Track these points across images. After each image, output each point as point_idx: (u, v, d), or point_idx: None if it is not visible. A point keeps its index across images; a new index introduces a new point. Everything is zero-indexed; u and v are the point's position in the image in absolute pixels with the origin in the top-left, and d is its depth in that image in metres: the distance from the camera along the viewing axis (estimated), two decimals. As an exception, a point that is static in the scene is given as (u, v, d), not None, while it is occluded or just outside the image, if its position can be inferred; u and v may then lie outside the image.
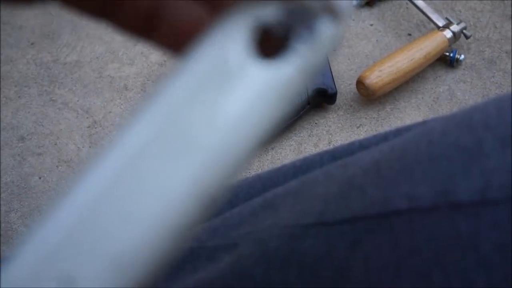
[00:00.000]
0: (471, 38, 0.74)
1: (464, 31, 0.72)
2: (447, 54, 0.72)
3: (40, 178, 0.65)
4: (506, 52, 0.74)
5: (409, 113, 0.69)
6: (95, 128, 0.69)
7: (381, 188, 0.25)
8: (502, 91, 0.71)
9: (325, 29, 0.16)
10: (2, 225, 0.61)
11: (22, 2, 0.17)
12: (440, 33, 0.70)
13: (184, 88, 0.15)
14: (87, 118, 0.70)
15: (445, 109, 0.69)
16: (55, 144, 0.67)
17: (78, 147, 0.67)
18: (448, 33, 0.70)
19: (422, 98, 0.71)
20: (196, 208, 0.14)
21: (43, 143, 0.68)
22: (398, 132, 0.32)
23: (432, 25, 0.74)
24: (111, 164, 0.14)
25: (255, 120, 0.15)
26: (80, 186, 0.14)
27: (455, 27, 0.71)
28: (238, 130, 0.15)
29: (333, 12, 0.15)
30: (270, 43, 0.16)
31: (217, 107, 0.14)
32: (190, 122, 0.14)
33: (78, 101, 0.71)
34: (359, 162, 0.28)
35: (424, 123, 0.31)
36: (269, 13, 0.15)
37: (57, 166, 0.66)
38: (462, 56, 0.72)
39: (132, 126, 0.14)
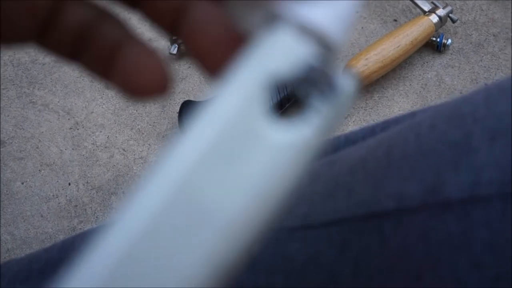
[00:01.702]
0: (458, 21, 0.73)
1: (450, 15, 0.71)
2: (434, 39, 0.71)
3: (22, 183, 0.63)
4: (494, 35, 0.73)
5: (397, 101, 0.68)
6: (78, 129, 0.67)
7: (368, 187, 0.24)
8: (490, 75, 0.70)
9: (346, 85, 0.14)
10: (-15, 233, 0.59)
11: (16, 41, 0.17)
12: (426, 18, 0.69)
13: (198, 151, 0.14)
14: (68, 119, 0.68)
15: (433, 95, 0.68)
16: (37, 148, 0.66)
17: (60, 150, 0.66)
18: (434, 18, 0.69)
19: (410, 85, 0.69)
20: (213, 279, 0.13)
21: (24, 147, 0.66)
22: (386, 124, 0.31)
23: (418, 10, 0.73)
24: (123, 236, 0.13)
25: (273, 186, 0.14)
26: (92, 262, 0.13)
27: (441, 11, 0.70)
28: (256, 198, 0.14)
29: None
30: (288, 102, 0.15)
31: (234, 173, 0.13)
32: (204, 190, 0.13)
33: (58, 102, 0.69)
34: (346, 159, 0.27)
35: (412, 115, 0.30)
36: (287, 69, 0.14)
37: (39, 170, 0.64)
38: (449, 41, 0.71)
39: (142, 195, 0.13)
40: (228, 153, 0.13)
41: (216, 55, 0.16)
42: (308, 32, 0.14)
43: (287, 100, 0.63)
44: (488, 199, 0.20)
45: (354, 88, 0.15)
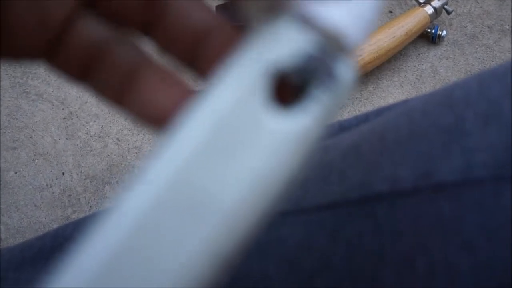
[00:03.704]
0: (453, 13, 0.73)
1: (445, 6, 0.71)
2: (429, 30, 0.71)
3: (16, 173, 0.63)
4: (488, 27, 0.73)
5: (392, 92, 0.68)
6: (72, 119, 0.67)
7: (361, 171, 0.24)
8: (485, 67, 0.70)
9: (345, 74, 0.14)
10: (-21, 223, 0.59)
11: (9, 58, 0.16)
12: (421, 9, 0.69)
13: (196, 140, 0.13)
14: (62, 109, 0.67)
15: (428, 86, 0.68)
16: (31, 137, 0.65)
17: (54, 140, 0.65)
18: (429, 9, 0.69)
19: (405, 76, 0.69)
20: (211, 269, 0.13)
21: (17, 137, 0.65)
22: (379, 112, 0.31)
23: (413, 1, 0.72)
24: (120, 226, 0.13)
25: (272, 175, 0.14)
26: (91, 248, 0.13)
27: (436, 3, 0.70)
28: (256, 186, 0.13)
29: (350, 53, 0.14)
30: (287, 90, 0.14)
31: (233, 162, 0.13)
32: (203, 179, 0.13)
33: (52, 92, 0.69)
34: (339, 145, 0.27)
35: (405, 102, 0.30)
36: (287, 58, 0.14)
37: (33, 159, 0.64)
38: (444, 32, 0.71)
39: (139, 185, 0.13)
40: (227, 142, 0.13)
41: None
42: (309, 22, 0.14)
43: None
44: (481, 182, 0.20)
45: (353, 77, 0.15)
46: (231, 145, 0.13)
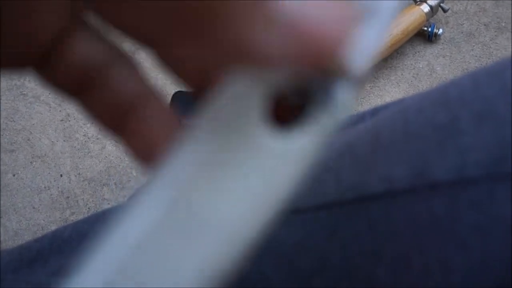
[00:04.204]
0: (449, 11, 0.73)
1: (441, 4, 0.71)
2: (425, 28, 0.71)
3: (14, 175, 0.63)
4: (485, 25, 0.73)
5: (389, 90, 0.68)
6: (69, 121, 0.67)
7: (356, 171, 0.24)
8: (481, 64, 0.70)
9: (343, 93, 0.14)
10: (-23, 225, 0.59)
11: (14, 67, 0.15)
12: (417, 7, 0.69)
13: (193, 162, 0.13)
14: (60, 111, 0.67)
15: (425, 85, 0.69)
16: (28, 140, 0.65)
17: (52, 142, 0.65)
18: (425, 7, 0.69)
19: (402, 74, 0.70)
20: (213, 284, 0.13)
21: (15, 139, 0.65)
22: (375, 111, 0.31)
23: (410, 0, 0.73)
24: (119, 246, 0.13)
25: (269, 194, 0.14)
26: (88, 271, 0.13)
27: (432, 1, 0.70)
28: (254, 204, 0.14)
29: (350, 75, 0.14)
30: (284, 111, 0.14)
31: (231, 181, 0.13)
32: (202, 198, 0.13)
33: (50, 93, 0.69)
34: (335, 145, 0.27)
35: (401, 101, 0.30)
36: (285, 79, 0.14)
37: (31, 162, 0.64)
38: (441, 30, 0.71)
39: (140, 205, 0.13)
40: (225, 162, 0.13)
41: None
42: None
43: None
44: (476, 180, 0.20)
45: (352, 97, 0.15)
46: (229, 164, 0.13)
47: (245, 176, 0.13)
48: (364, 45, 0.14)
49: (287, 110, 0.14)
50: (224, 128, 0.14)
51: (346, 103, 0.14)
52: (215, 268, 0.13)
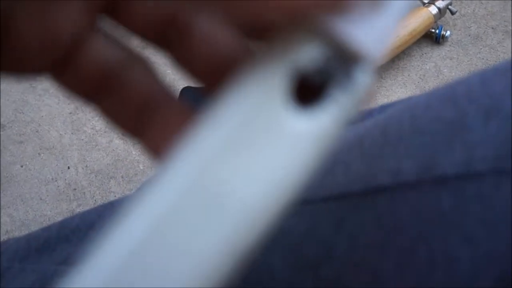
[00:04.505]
0: (457, 13, 0.73)
1: (449, 6, 0.71)
2: (433, 30, 0.71)
3: (22, 166, 0.63)
4: (492, 28, 0.74)
5: (396, 91, 0.69)
6: (77, 114, 0.67)
7: (364, 163, 0.24)
8: (488, 67, 0.70)
9: (363, 76, 0.15)
10: (-15, 215, 0.60)
11: (11, 73, 0.15)
12: (425, 9, 0.69)
13: (216, 140, 0.14)
14: (68, 104, 0.68)
15: (431, 86, 0.69)
16: (37, 132, 0.66)
17: (60, 134, 0.66)
18: (433, 9, 0.70)
19: (409, 75, 0.70)
20: (229, 267, 0.13)
21: (24, 131, 0.66)
22: (383, 108, 0.32)
23: (418, 1, 0.73)
24: (140, 223, 0.13)
25: (290, 174, 0.14)
26: (109, 246, 0.13)
27: (440, 3, 0.70)
28: (273, 186, 0.14)
29: (369, 58, 0.14)
30: (307, 90, 0.15)
31: (254, 160, 0.14)
32: (225, 176, 0.13)
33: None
34: (344, 138, 0.28)
35: (409, 98, 0.30)
36: (307, 59, 0.14)
37: (39, 153, 0.64)
38: (448, 32, 0.71)
39: (161, 183, 0.13)
40: (247, 141, 0.14)
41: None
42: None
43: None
44: (482, 174, 0.20)
45: (370, 80, 0.15)
46: (252, 144, 0.14)
47: (267, 156, 0.14)
48: (380, 32, 0.14)
49: (309, 90, 0.15)
50: (247, 106, 0.14)
51: (366, 85, 0.15)
52: (232, 251, 0.13)
